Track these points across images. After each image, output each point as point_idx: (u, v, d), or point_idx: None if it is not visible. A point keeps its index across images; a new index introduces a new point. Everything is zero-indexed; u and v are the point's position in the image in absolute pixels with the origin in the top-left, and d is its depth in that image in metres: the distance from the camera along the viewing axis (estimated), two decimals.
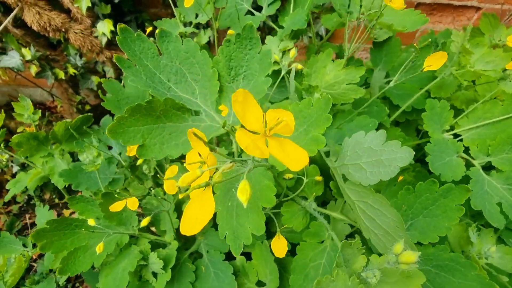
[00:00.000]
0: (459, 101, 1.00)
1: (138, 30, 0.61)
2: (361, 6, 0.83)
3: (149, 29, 1.16)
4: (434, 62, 0.70)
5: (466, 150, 0.90)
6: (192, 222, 0.40)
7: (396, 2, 0.70)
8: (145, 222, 0.71)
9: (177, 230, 0.92)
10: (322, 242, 0.77)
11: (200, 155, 0.46)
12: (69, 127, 0.97)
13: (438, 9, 2.02)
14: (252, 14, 1.12)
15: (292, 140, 0.58)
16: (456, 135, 0.94)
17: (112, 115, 1.26)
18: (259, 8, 1.14)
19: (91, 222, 0.69)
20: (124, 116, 0.53)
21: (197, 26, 1.34)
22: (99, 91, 1.12)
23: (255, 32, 0.63)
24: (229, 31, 0.98)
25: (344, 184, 0.61)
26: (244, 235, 0.56)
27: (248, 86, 0.65)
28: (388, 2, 0.71)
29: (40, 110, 1.11)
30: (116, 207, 0.75)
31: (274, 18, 1.23)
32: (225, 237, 0.58)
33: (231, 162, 0.45)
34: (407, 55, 1.18)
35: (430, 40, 0.88)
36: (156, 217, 0.97)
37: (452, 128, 0.94)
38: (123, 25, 0.58)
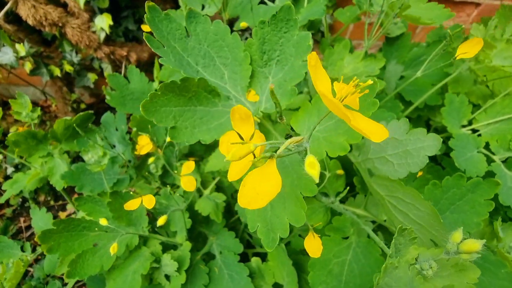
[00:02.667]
0: (475, 96, 0.99)
1: (165, 11, 0.57)
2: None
3: (143, 27, 1.10)
4: (469, 49, 0.67)
5: (486, 145, 0.88)
6: (252, 197, 0.37)
7: None
8: (161, 221, 0.67)
9: (189, 230, 0.88)
10: (347, 238, 0.74)
11: (241, 136, 0.43)
12: (72, 124, 0.92)
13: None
14: (265, 4, 1.08)
15: (331, 129, 0.54)
16: (474, 130, 0.93)
17: (113, 113, 1.21)
18: (272, 0, 1.09)
19: (103, 221, 0.65)
20: (157, 94, 0.50)
21: None
22: (103, 87, 1.07)
23: (293, 13, 0.58)
24: (242, 24, 0.94)
25: (370, 179, 0.58)
26: (280, 226, 0.51)
27: (282, 71, 0.61)
28: None
29: (39, 108, 1.05)
30: (132, 205, 0.71)
31: None
32: (255, 231, 0.54)
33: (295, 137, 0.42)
34: (418, 50, 1.16)
35: (459, 29, 0.85)
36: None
37: (469, 123, 0.93)
38: (151, 3, 0.55)
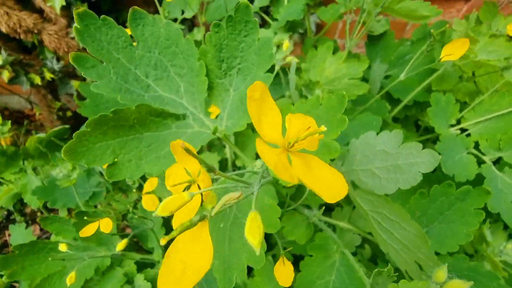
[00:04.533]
0: (461, 94, 0.95)
1: (103, 15, 0.48)
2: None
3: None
4: (454, 50, 0.63)
5: (475, 145, 0.84)
6: (178, 276, 0.27)
7: None
8: (121, 245, 0.62)
9: (166, 247, 0.83)
10: (330, 256, 0.69)
11: (187, 171, 0.37)
12: (40, 142, 0.87)
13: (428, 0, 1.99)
14: None
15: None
16: (462, 130, 0.89)
17: None
18: (250, 1, 1.06)
19: (62, 247, 0.60)
20: (86, 132, 0.43)
21: (183, 23, 1.25)
22: (75, 96, 1.03)
23: (252, 13, 0.50)
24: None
25: (354, 192, 0.53)
26: (237, 266, 0.45)
27: (244, 82, 0.54)
28: None
29: (10, 121, 1.00)
30: (87, 231, 0.66)
31: (267, 10, 1.15)
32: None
33: (234, 185, 0.36)
34: (403, 48, 1.13)
35: (443, 28, 0.81)
36: (143, 233, 0.88)
37: (458, 122, 0.89)
38: (82, 9, 0.46)
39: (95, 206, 1.05)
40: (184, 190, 0.38)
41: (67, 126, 1.01)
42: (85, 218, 0.64)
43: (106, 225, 0.66)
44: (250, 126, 0.56)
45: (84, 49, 1.32)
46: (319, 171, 0.31)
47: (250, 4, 0.50)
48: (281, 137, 0.32)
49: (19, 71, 1.61)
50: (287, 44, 0.72)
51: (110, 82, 0.47)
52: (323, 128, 0.31)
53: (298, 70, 0.84)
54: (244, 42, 0.53)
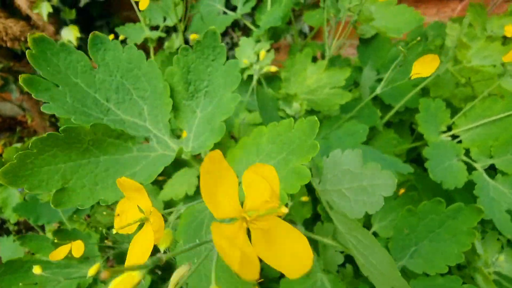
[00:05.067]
0: (457, 99, 0.93)
1: (61, 41, 0.47)
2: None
3: (121, 37, 1.05)
4: (424, 67, 0.61)
5: (466, 152, 0.82)
6: None
7: None
8: (92, 271, 0.59)
9: (159, 265, 0.81)
10: (311, 276, 0.66)
11: (140, 208, 0.35)
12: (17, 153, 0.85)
13: (423, 1, 1.97)
14: (226, 14, 1.03)
15: None
16: (454, 136, 0.87)
17: None
18: (234, 9, 1.04)
19: (36, 270, 0.57)
20: (31, 153, 0.39)
21: (167, 30, 1.23)
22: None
23: (219, 39, 0.51)
24: (192, 36, 0.88)
25: (331, 212, 0.51)
26: None
27: (211, 104, 0.54)
28: None
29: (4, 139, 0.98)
30: (57, 254, 0.63)
31: (252, 17, 1.14)
32: None
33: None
34: (396, 52, 1.10)
35: (419, 38, 0.79)
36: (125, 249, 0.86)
37: (449, 128, 0.87)
38: (38, 34, 0.45)
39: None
40: (136, 229, 0.37)
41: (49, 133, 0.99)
42: (55, 241, 0.62)
43: (77, 248, 0.63)
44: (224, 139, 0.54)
45: None
46: (281, 241, 0.28)
47: (217, 31, 0.51)
48: (238, 206, 0.29)
49: (8, 78, 1.59)
50: (263, 53, 0.70)
51: (65, 104, 0.45)
52: (285, 210, 0.28)
53: (278, 79, 0.82)
54: (211, 66, 0.53)
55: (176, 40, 1.07)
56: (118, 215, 0.39)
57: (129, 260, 0.35)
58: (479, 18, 0.98)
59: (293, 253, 0.28)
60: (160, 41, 1.30)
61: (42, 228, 1.93)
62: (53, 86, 0.45)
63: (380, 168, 0.44)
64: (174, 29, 1.23)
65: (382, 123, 0.97)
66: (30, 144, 0.38)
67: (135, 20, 1.82)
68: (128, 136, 0.48)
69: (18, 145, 0.90)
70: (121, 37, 1.08)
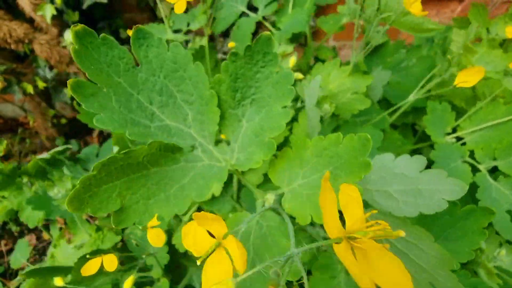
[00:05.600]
0: (458, 98, 0.95)
1: (103, 34, 0.43)
2: (378, 8, 0.72)
3: (129, 32, 1.04)
4: (468, 77, 0.63)
5: (471, 154, 0.84)
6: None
7: (415, 8, 0.62)
8: (128, 284, 0.59)
9: (166, 265, 0.82)
10: (335, 276, 0.67)
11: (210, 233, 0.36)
12: (41, 161, 0.85)
13: (423, 2, 1.99)
14: (247, 15, 1.03)
15: (315, 185, 0.45)
16: (458, 138, 0.89)
17: (85, 127, 1.16)
18: (254, 10, 1.05)
19: (58, 281, 0.58)
20: (92, 175, 0.38)
21: (188, 32, 1.23)
22: (74, 102, 1.02)
23: (273, 45, 0.47)
24: (230, 44, 0.88)
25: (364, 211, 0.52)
26: None
27: (259, 114, 0.50)
28: (408, 7, 0.63)
29: (6, 141, 0.99)
30: (89, 269, 0.61)
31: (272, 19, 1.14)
32: None
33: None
34: (399, 56, 1.12)
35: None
36: (141, 250, 0.87)
37: (454, 130, 0.89)
38: (79, 26, 0.40)
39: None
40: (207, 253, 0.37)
41: (69, 146, 1.00)
42: (87, 256, 0.61)
43: (110, 262, 0.61)
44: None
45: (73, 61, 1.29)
46: (379, 262, 0.28)
47: (272, 37, 0.47)
48: (341, 228, 0.29)
49: (11, 80, 1.59)
50: (293, 60, 0.70)
51: (114, 113, 0.43)
52: (402, 233, 0.28)
53: (299, 82, 0.83)
54: (260, 72, 0.49)
55: (200, 43, 1.05)
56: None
57: (205, 285, 0.35)
58: (479, 18, 0.99)
59: (392, 274, 0.28)
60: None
61: (47, 227, 1.93)
62: (100, 89, 0.42)
63: (446, 175, 0.45)
64: (195, 32, 1.23)
65: (389, 125, 0.99)
66: (93, 167, 0.38)
67: (138, 22, 1.82)
68: (176, 147, 0.46)
69: (45, 155, 0.89)
70: (129, 32, 1.06)
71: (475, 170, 0.83)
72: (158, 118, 0.47)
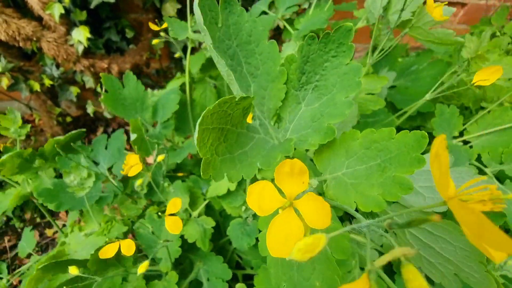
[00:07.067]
0: (467, 98, 0.96)
1: None
2: (402, 10, 0.73)
3: (164, 25, 1.04)
4: (487, 76, 0.64)
5: (477, 158, 0.85)
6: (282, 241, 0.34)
7: (437, 12, 0.63)
8: (142, 268, 0.60)
9: (176, 259, 0.83)
10: (350, 272, 0.68)
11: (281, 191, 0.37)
12: (56, 144, 0.86)
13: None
14: (266, 13, 1.05)
15: (361, 175, 0.47)
16: (465, 142, 0.90)
17: (90, 125, 1.16)
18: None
19: (73, 270, 0.58)
20: (212, 109, 0.38)
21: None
22: (98, 86, 1.04)
23: (350, 37, 0.47)
24: None
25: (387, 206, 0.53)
26: None
27: (319, 100, 0.51)
28: (431, 12, 0.63)
29: (30, 125, 1.00)
30: (107, 252, 0.62)
31: (290, 20, 1.16)
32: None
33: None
34: (409, 59, 1.13)
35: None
36: (151, 243, 0.88)
37: (461, 134, 0.90)
38: None
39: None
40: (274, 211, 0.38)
41: (83, 129, 1.02)
42: (105, 240, 0.61)
43: (128, 247, 0.62)
44: None
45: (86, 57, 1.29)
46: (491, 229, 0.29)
47: (353, 28, 0.47)
48: (454, 189, 0.30)
49: (18, 78, 1.60)
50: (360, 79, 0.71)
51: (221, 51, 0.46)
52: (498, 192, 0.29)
53: None
54: (329, 61, 0.50)
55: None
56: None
57: (270, 244, 0.36)
58: (500, 20, 1.00)
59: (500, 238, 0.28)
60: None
61: (48, 224, 1.93)
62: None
63: (476, 172, 0.45)
64: None
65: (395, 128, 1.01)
66: (211, 106, 0.39)
67: (142, 22, 1.82)
68: (245, 110, 0.46)
69: (60, 137, 0.90)
70: (164, 25, 1.06)
71: (481, 173, 0.84)
72: (231, 76, 0.48)
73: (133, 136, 0.84)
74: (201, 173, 0.40)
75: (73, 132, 0.98)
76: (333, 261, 0.45)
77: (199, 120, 0.37)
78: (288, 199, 0.38)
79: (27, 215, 1.98)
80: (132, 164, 0.83)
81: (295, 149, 0.48)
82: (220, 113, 0.40)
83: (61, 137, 0.95)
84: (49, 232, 1.90)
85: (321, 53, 0.49)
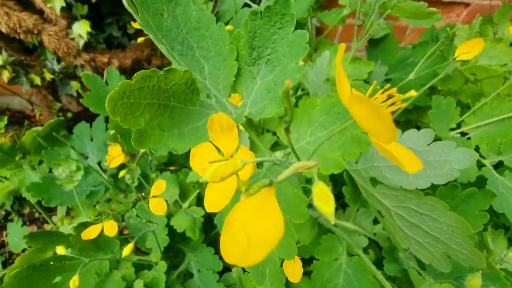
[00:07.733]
0: (465, 95, 0.94)
1: None
2: None
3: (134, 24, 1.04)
4: (468, 49, 0.63)
5: (475, 149, 0.84)
6: (243, 248, 0.22)
7: None
8: (127, 250, 0.59)
9: (165, 248, 0.82)
10: (337, 259, 0.67)
11: (218, 150, 0.37)
12: (37, 134, 0.86)
13: (428, 5, 2.00)
14: (249, 6, 1.05)
15: (323, 141, 0.47)
16: (463, 134, 0.89)
17: (90, 121, 1.16)
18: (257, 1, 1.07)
19: (60, 250, 0.58)
20: (130, 83, 0.39)
21: None
22: (80, 89, 1.02)
23: (290, 7, 0.49)
24: (227, 27, 0.89)
25: (373, 188, 0.52)
26: (269, 259, 0.45)
27: (272, 72, 0.52)
28: None
29: (6, 117, 1.00)
30: (90, 233, 0.62)
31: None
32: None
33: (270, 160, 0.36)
34: (405, 52, 1.12)
35: (454, 30, 0.80)
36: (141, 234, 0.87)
37: (458, 126, 0.88)
38: None
39: (94, 206, 1.04)
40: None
41: (62, 118, 1.00)
42: (87, 221, 0.61)
43: (111, 228, 0.63)
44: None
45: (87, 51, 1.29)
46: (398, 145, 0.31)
47: None
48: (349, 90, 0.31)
49: (19, 71, 1.61)
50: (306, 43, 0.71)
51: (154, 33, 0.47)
52: (412, 92, 0.31)
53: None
54: (277, 33, 0.51)
55: None
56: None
57: (210, 201, 0.36)
58: (502, 18, 1.00)
59: (407, 154, 0.31)
60: None
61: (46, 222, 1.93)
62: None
63: (455, 145, 0.46)
64: None
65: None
66: (133, 77, 0.39)
67: None
68: (196, 88, 0.47)
69: (39, 128, 0.90)
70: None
71: (479, 165, 0.83)
72: (178, 63, 0.50)
73: (111, 133, 0.83)
74: (133, 143, 0.41)
75: (52, 121, 0.96)
76: (290, 226, 0.46)
77: (109, 95, 0.38)
78: (226, 157, 0.38)
79: (26, 210, 1.99)
80: (114, 155, 0.83)
81: (251, 119, 0.49)
82: (151, 88, 0.41)
83: (39, 128, 0.94)
84: (47, 227, 1.90)
85: (268, 27, 0.51)
